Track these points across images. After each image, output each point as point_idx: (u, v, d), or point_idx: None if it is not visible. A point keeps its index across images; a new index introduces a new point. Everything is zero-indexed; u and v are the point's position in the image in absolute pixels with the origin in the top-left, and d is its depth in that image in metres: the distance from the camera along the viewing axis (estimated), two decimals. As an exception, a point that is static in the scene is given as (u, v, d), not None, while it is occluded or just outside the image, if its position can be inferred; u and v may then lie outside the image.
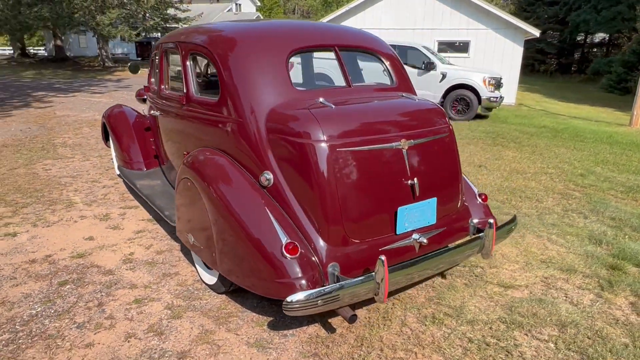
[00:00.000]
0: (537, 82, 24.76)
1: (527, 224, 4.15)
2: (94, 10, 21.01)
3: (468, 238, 2.74)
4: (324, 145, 2.24)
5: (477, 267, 3.27)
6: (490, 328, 2.54)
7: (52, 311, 2.70)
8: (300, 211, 2.32)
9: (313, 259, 2.25)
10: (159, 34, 27.23)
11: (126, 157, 4.35)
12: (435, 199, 2.59)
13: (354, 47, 3.07)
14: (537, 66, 31.43)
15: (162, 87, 3.67)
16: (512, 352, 2.33)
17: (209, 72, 3.96)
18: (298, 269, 2.18)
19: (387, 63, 3.11)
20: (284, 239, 2.22)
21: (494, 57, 15.04)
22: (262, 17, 39.69)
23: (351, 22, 16.32)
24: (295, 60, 3.20)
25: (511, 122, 10.74)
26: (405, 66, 10.74)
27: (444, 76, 10.67)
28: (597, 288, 3.03)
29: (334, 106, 2.43)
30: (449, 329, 2.53)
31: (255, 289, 2.27)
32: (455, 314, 2.67)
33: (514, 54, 14.84)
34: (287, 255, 2.18)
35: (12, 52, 28.97)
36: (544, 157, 7.06)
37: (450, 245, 2.71)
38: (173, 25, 25.71)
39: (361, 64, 3.40)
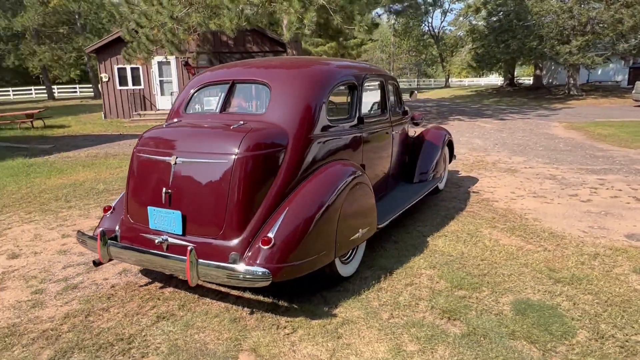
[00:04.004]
0: None
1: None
2: (555, 41, 21.21)
3: (181, 257, 2.66)
4: (134, 150, 3.20)
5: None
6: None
7: None
8: (132, 191, 3.37)
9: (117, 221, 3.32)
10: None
11: None
12: (179, 212, 2.80)
13: (248, 81, 3.42)
14: None
15: None
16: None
17: None
18: (101, 222, 3.35)
19: (273, 93, 3.16)
20: (112, 204, 3.42)
21: None
22: None
23: None
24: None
25: None
26: None
27: None
28: None
29: (164, 126, 3.24)
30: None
31: None
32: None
33: None
34: (103, 213, 3.40)
35: (502, 82, 33.37)
36: None
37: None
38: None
39: None
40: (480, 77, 47.17)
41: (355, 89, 3.65)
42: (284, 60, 3.89)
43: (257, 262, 2.64)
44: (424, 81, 58.69)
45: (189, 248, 2.59)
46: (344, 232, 3.09)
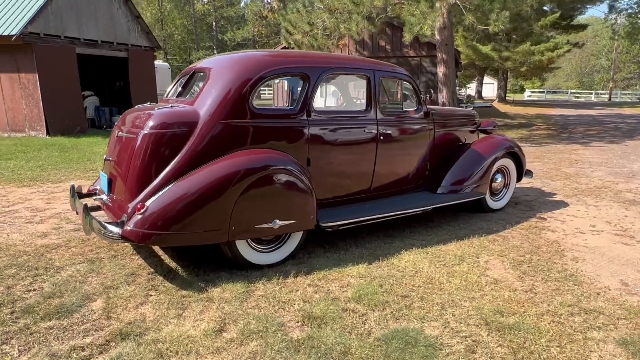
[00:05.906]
0: None
1: None
2: None
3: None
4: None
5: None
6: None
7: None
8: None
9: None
10: None
11: None
12: (106, 176, 3.32)
13: (199, 70, 3.77)
14: None
15: None
16: None
17: None
18: (95, 182, 4.15)
19: (208, 80, 3.38)
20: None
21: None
22: None
23: None
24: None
25: None
26: None
27: None
28: None
29: (136, 107, 3.84)
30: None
31: None
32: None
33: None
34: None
35: None
36: None
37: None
38: None
39: None
40: None
41: (307, 81, 3.59)
42: (237, 53, 4.09)
43: (130, 225, 2.99)
44: (659, 95, 47.26)
45: (83, 204, 3.11)
46: (245, 217, 3.15)
